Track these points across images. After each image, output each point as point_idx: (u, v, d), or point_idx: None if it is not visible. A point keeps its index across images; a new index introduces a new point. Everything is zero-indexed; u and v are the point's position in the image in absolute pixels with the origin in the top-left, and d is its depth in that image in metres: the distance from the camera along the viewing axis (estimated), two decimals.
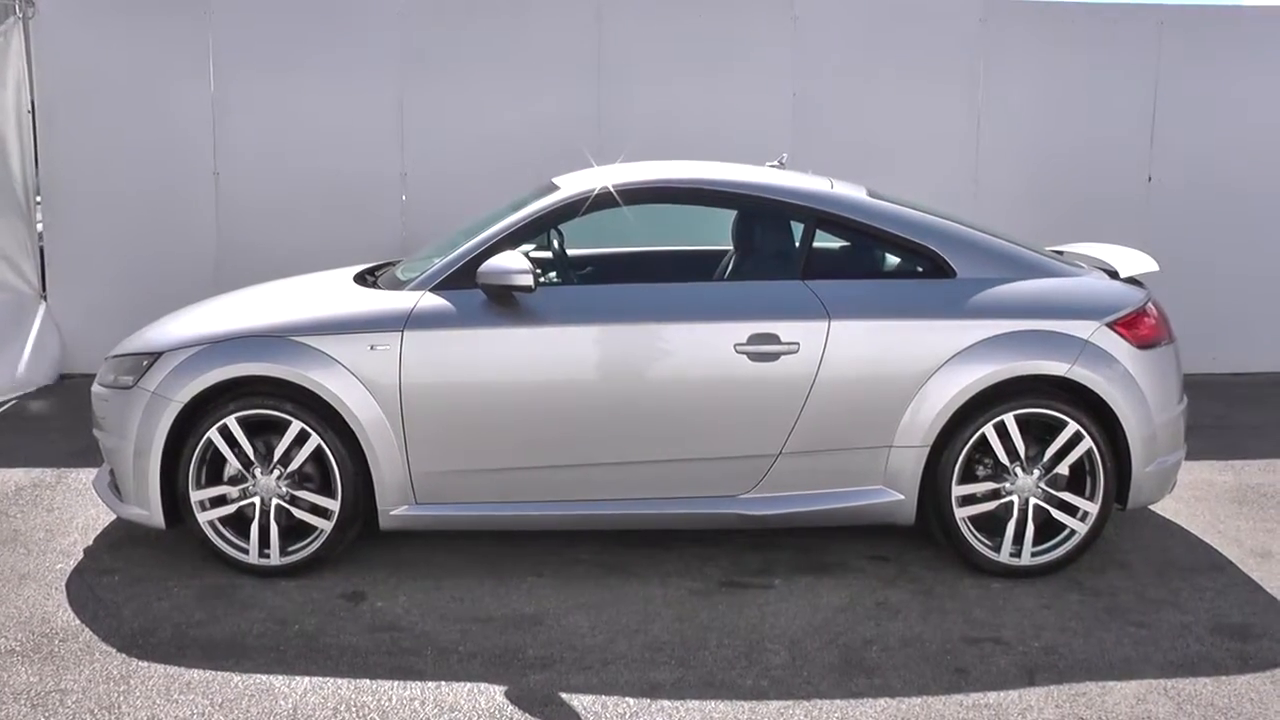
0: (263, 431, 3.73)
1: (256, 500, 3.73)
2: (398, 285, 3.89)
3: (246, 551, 3.75)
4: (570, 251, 4.59)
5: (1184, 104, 6.76)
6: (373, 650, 3.26)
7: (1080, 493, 3.72)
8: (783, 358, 3.64)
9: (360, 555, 3.91)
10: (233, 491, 3.75)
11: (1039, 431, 3.72)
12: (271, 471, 3.71)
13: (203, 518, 3.75)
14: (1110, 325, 3.71)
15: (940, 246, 3.79)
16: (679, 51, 6.68)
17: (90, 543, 4.13)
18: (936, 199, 4.56)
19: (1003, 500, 3.71)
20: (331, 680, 3.07)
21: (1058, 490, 3.71)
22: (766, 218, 3.97)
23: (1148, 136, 6.75)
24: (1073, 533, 3.72)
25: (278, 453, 3.70)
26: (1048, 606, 3.55)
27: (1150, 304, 3.85)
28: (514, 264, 3.55)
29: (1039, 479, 3.70)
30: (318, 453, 3.69)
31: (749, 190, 3.91)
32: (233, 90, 6.58)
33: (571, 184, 3.92)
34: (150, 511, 3.78)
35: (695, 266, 4.34)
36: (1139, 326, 3.75)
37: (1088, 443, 3.67)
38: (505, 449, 3.70)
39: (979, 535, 3.73)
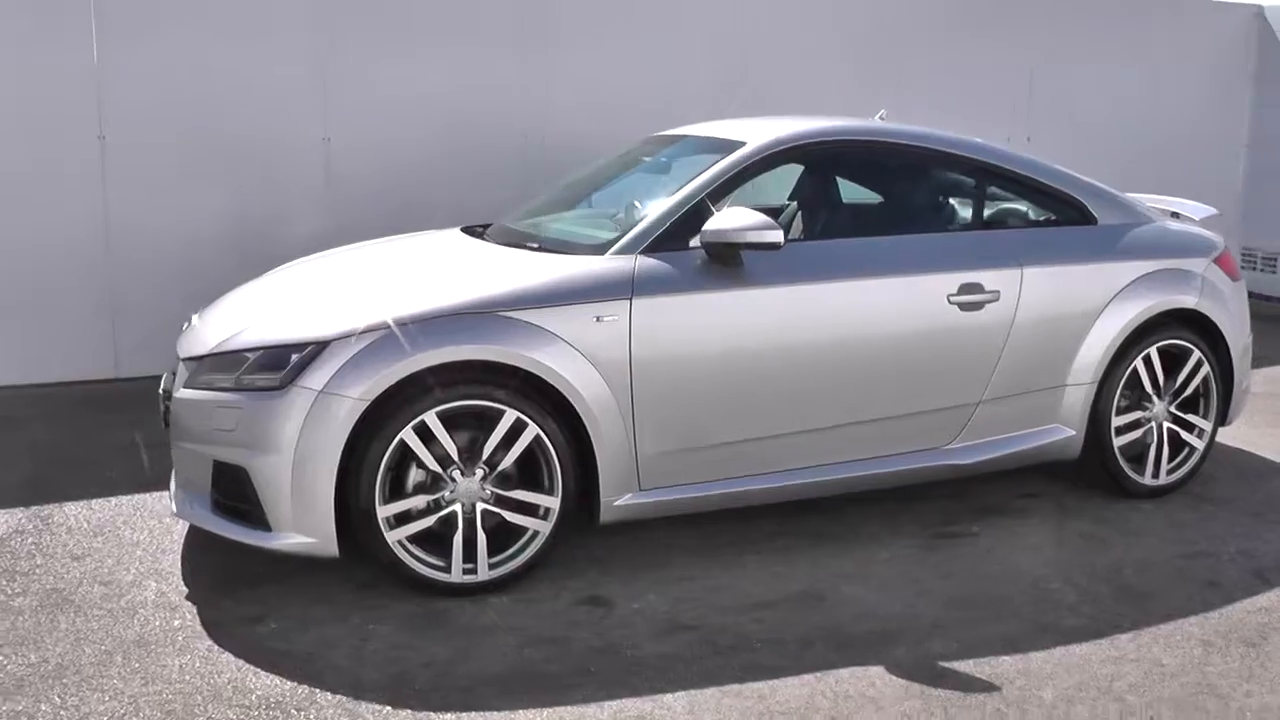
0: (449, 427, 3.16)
1: (457, 508, 3.16)
2: (566, 249, 3.45)
3: (446, 569, 3.17)
4: None
5: (1054, 83, 7.61)
6: (696, 656, 2.89)
7: (1194, 413, 4.14)
8: (987, 306, 3.69)
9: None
10: (419, 502, 3.15)
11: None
12: (474, 472, 3.15)
13: (392, 537, 3.11)
14: (1215, 261, 4.15)
15: (1082, 195, 4.01)
16: (620, 12, 6.38)
17: (185, 589, 3.28)
18: None
19: (1144, 428, 4.04)
20: (699, 693, 2.70)
21: (1183, 414, 4.10)
22: (943, 171, 3.97)
23: (1025, 106, 7.51)
24: (1193, 450, 4.13)
25: (487, 449, 3.15)
26: (1205, 519, 3.92)
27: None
28: (757, 220, 3.27)
29: (1168, 404, 4.07)
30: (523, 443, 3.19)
31: (927, 144, 3.89)
32: (122, 42, 5.34)
33: (756, 136, 3.65)
34: (320, 539, 3.07)
35: (859, 218, 4.18)
36: (1228, 262, 4.23)
37: (1206, 367, 4.09)
38: (737, 420, 3.42)
39: (1128, 462, 4.03)
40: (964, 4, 7.35)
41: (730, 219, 3.29)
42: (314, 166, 5.83)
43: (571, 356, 3.17)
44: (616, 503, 3.32)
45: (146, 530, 3.76)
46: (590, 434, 3.22)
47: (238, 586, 3.31)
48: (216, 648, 2.94)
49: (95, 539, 3.68)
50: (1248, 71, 8.34)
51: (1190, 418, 4.11)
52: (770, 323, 3.41)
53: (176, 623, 3.08)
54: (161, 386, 3.55)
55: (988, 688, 2.76)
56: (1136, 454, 4.04)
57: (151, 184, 5.49)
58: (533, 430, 3.16)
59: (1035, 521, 3.88)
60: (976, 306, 3.67)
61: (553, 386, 3.16)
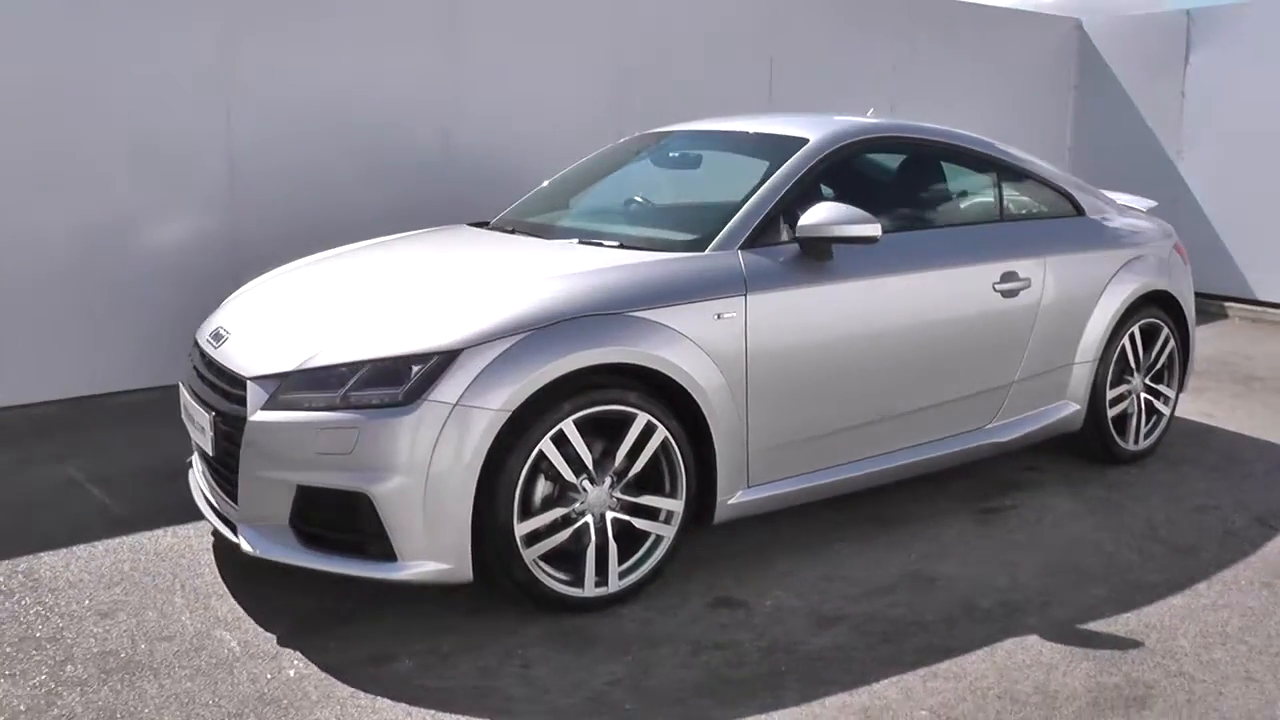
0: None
1: (589, 519, 3.01)
2: (653, 246, 3.37)
3: (575, 583, 3.01)
4: None
5: (911, 82, 8.12)
6: (865, 645, 2.90)
7: (1162, 383, 4.59)
8: (1021, 293, 3.92)
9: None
10: (551, 516, 2.97)
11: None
12: (603, 480, 3.02)
13: (529, 555, 2.92)
14: (1175, 248, 4.62)
15: (1072, 189, 4.35)
16: (529, 6, 6.25)
17: (269, 634, 2.94)
18: None
19: (1127, 399, 4.44)
20: (900, 680, 2.72)
21: (1154, 384, 4.54)
22: (972, 166, 4.15)
23: (888, 101, 7.99)
24: (1162, 416, 4.58)
25: (620, 454, 3.02)
26: (1185, 478, 4.34)
27: None
28: (855, 214, 3.31)
29: (1144, 377, 4.49)
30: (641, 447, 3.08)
31: (957, 141, 4.08)
32: None
33: (821, 132, 3.69)
34: (455, 564, 2.84)
35: (913, 212, 4.10)
36: (1181, 249, 4.71)
37: (1173, 342, 4.55)
38: (833, 411, 3.46)
39: (1115, 431, 4.41)
40: (840, 10, 7.75)
41: (827, 213, 3.32)
42: (215, 165, 5.37)
43: (697, 355, 3.10)
44: (730, 501, 3.28)
45: (168, 574, 3.33)
46: (712, 433, 3.16)
47: (329, 625, 2.99)
48: (361, 693, 2.65)
49: (112, 590, 3.21)
50: (1070, 79, 9.29)
51: (1160, 387, 4.55)
52: (863, 313, 3.49)
53: (291, 673, 2.75)
54: (210, 411, 3.12)
55: (1133, 644, 2.96)
56: (1118, 423, 4.43)
57: (29, 184, 4.87)
58: (661, 433, 3.06)
59: (1056, 491, 4.17)
60: (1014, 294, 3.90)
61: (678, 387, 3.07)
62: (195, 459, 3.58)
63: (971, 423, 3.91)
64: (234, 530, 3.06)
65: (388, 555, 2.83)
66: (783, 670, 2.77)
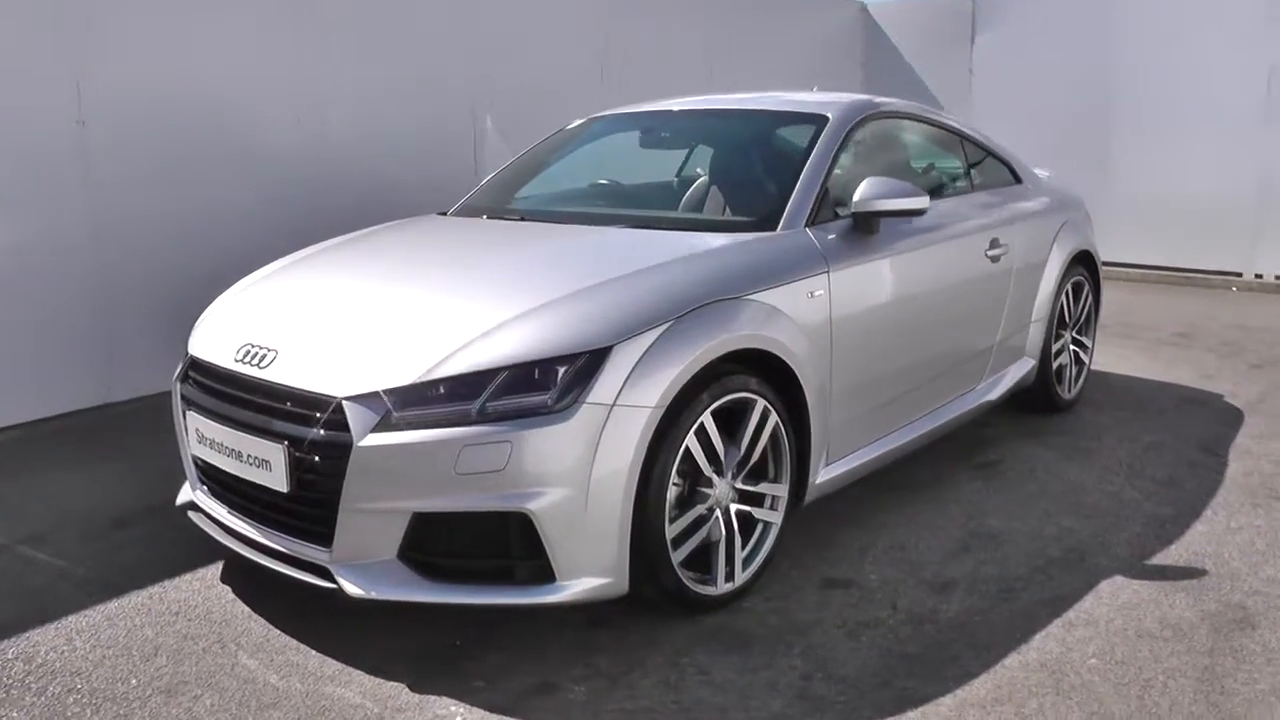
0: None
1: (718, 514, 2.90)
2: (713, 228, 3.33)
3: (709, 582, 2.90)
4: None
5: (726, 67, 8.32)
6: (992, 605, 3.00)
7: (1084, 335, 5.04)
8: (1001, 258, 4.17)
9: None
10: (689, 515, 2.84)
11: None
12: (727, 471, 2.92)
13: (677, 557, 2.78)
14: (1085, 213, 5.08)
15: (1009, 160, 4.67)
16: None
17: (390, 682, 2.64)
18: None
19: (1064, 353, 4.84)
20: (1052, 633, 2.83)
21: (1080, 336, 4.99)
22: (951, 142, 4.31)
23: (708, 86, 8.17)
24: (1084, 365, 5.05)
25: (744, 442, 2.93)
26: (1120, 421, 4.75)
27: None
28: (905, 188, 3.37)
29: (1073, 331, 4.92)
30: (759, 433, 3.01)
31: (937, 118, 4.28)
32: None
33: (837, 109, 3.72)
34: (614, 577, 2.65)
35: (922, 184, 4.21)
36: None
37: (1092, 297, 5.01)
38: (891, 379, 3.55)
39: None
40: (665, 5, 7.86)
41: (881, 188, 3.36)
42: (67, 154, 4.72)
43: (800, 335, 3.06)
44: (816, 481, 3.27)
45: (208, 634, 2.90)
46: (809, 413, 3.14)
47: (454, 663, 2.72)
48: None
49: (154, 662, 2.75)
50: (857, 59, 9.91)
51: (1083, 339, 5.01)
52: (910, 283, 3.59)
53: (459, 719, 2.47)
54: (279, 441, 2.69)
55: (1200, 571, 3.25)
56: (1057, 374, 4.82)
57: None
58: (773, 418, 3.00)
59: (1026, 443, 4.47)
60: (998, 259, 4.15)
61: (782, 368, 3.03)
62: (205, 498, 3.10)
63: (969, 384, 4.13)
64: (322, 574, 2.69)
65: (543, 577, 2.59)
66: (944, 640, 2.82)
